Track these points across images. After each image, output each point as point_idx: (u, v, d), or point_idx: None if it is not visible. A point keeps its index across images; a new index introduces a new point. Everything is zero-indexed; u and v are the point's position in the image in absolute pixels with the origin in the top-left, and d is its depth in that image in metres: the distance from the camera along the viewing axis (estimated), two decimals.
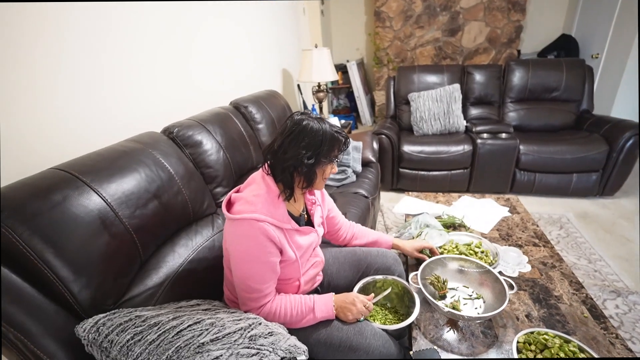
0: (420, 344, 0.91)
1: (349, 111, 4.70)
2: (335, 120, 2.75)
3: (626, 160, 2.30)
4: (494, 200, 1.70)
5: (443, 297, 1.05)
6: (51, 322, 0.66)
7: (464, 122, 2.78)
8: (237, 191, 0.93)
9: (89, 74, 1.04)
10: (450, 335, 0.93)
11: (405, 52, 4.02)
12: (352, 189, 1.85)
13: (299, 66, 2.70)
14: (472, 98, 2.91)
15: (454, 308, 0.96)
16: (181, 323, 0.64)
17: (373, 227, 2.01)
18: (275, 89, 2.32)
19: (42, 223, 0.67)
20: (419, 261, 1.15)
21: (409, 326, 0.95)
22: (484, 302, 1.02)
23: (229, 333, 0.64)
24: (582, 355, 0.76)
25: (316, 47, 2.61)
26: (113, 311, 0.70)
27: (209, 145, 1.27)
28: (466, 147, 2.52)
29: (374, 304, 0.97)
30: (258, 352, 0.62)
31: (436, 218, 1.47)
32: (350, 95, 4.50)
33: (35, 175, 0.76)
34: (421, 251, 1.19)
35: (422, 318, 0.99)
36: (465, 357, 0.86)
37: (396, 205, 1.74)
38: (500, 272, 1.13)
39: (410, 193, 1.84)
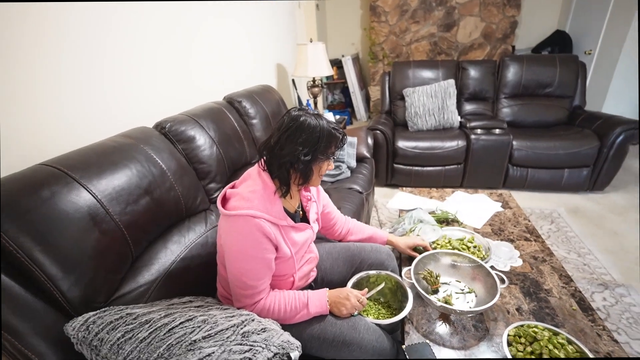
0: (413, 338, 0.92)
1: (344, 106, 4.68)
2: (330, 116, 2.74)
3: (616, 155, 2.34)
4: (487, 195, 1.72)
5: (436, 291, 1.06)
6: (40, 320, 0.65)
7: (459, 118, 2.79)
8: (233, 187, 0.92)
9: (77, 67, 1.02)
10: (442, 329, 0.94)
11: (400, 47, 4.01)
12: (347, 184, 1.85)
13: (294, 61, 2.67)
14: (466, 94, 2.92)
15: (446, 302, 0.97)
16: (173, 320, 0.63)
17: (367, 222, 2.01)
18: (269, 83, 2.30)
19: (30, 220, 0.66)
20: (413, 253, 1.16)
21: (402, 320, 0.96)
22: (475, 296, 1.03)
23: (222, 330, 0.63)
24: (570, 348, 0.77)
25: (311, 41, 2.58)
26: (103, 309, 0.69)
27: (202, 140, 1.26)
28: (460, 143, 2.53)
29: (367, 298, 0.98)
30: (251, 349, 0.62)
31: (430, 213, 1.48)
32: (345, 90, 4.48)
33: (23, 172, 0.74)
34: (415, 249, 1.20)
35: (415, 312, 1.00)
36: (460, 355, 0.87)
37: (390, 200, 1.75)
38: (492, 267, 1.14)
39: (404, 188, 1.85)
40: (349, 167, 2.02)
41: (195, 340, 0.60)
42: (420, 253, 1.15)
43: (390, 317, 0.95)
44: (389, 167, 2.71)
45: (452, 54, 3.94)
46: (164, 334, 0.61)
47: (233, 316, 0.70)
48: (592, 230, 2.10)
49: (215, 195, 1.28)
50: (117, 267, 0.82)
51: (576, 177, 2.45)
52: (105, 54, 1.10)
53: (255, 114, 1.72)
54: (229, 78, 1.95)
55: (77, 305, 0.71)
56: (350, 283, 1.04)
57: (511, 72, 2.82)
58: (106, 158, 0.87)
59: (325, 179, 1.92)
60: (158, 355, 0.57)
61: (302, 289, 1.02)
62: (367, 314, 0.99)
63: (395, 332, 1.09)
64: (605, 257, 1.85)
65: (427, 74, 2.92)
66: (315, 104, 2.86)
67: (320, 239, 1.25)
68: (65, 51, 0.96)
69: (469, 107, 2.94)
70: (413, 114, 2.80)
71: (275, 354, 0.65)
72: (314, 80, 2.73)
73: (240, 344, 0.62)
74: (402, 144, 2.61)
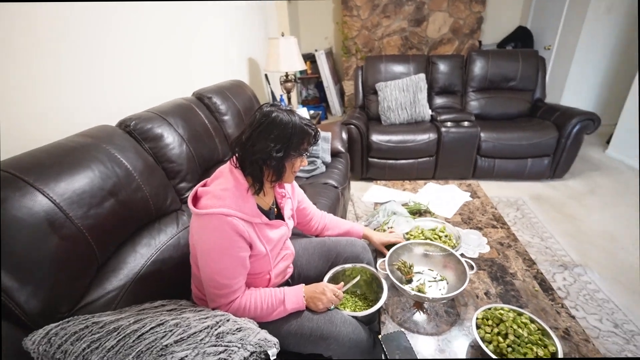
0: (389, 327, 0.94)
1: (319, 101, 4.67)
2: (304, 111, 2.72)
3: (573, 145, 2.51)
4: (457, 186, 1.78)
5: (409, 281, 1.09)
6: None
7: (429, 112, 2.86)
8: (204, 185, 0.90)
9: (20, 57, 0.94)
10: (416, 316, 0.98)
11: (372, 42, 4.04)
12: (322, 179, 1.86)
13: (266, 55, 2.63)
14: (436, 87, 3.00)
15: (419, 291, 1.00)
16: (143, 326, 0.61)
17: (343, 216, 2.04)
18: (241, 79, 2.24)
19: None
20: (388, 248, 1.18)
21: (378, 311, 0.98)
22: (447, 283, 1.07)
23: (195, 332, 0.62)
24: (532, 326, 0.83)
25: (283, 35, 2.54)
26: (67, 319, 0.66)
27: (171, 138, 1.21)
28: (431, 136, 2.60)
29: (344, 292, 0.99)
30: (226, 349, 0.61)
31: (403, 205, 1.51)
32: (319, 85, 4.47)
33: None
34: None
35: (390, 302, 1.02)
36: (433, 340, 0.91)
37: (365, 194, 1.78)
38: (462, 254, 1.19)
39: (378, 182, 1.88)
40: (324, 162, 2.02)
41: (166, 345, 0.58)
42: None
43: (367, 309, 0.97)
44: (364, 161, 2.74)
45: (422, 48, 4.03)
46: (133, 340, 0.59)
47: (207, 317, 0.69)
48: (553, 216, 2.24)
49: (187, 194, 1.24)
50: (80, 274, 0.78)
51: (538, 166, 2.61)
52: (71, 48, 1.03)
53: (227, 110, 1.68)
54: (197, 73, 1.88)
55: (37, 318, 0.67)
56: (326, 278, 1.04)
57: (478, 67, 2.93)
58: (64, 159, 0.82)
59: (300, 174, 1.92)
60: None
61: (279, 285, 1.02)
62: (344, 307, 1.00)
63: (373, 322, 1.12)
64: (565, 240, 1.99)
65: (398, 68, 2.97)
66: (289, 99, 2.83)
67: (296, 234, 1.25)
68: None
69: (439, 100, 3.03)
70: (386, 108, 2.84)
71: (252, 353, 0.64)
72: (287, 75, 2.70)
73: (215, 345, 0.61)
74: (376, 137, 2.65)
